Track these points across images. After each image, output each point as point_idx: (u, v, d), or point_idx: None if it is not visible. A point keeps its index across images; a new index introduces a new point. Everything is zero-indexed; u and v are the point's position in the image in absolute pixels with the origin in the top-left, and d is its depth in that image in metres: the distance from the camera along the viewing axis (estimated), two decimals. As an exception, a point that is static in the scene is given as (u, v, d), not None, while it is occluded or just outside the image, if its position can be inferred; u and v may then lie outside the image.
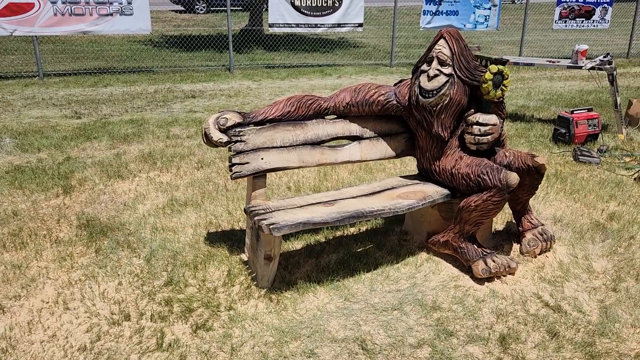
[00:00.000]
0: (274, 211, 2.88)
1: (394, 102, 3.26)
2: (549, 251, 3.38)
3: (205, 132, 2.96)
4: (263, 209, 2.91)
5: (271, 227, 2.65)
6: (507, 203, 3.47)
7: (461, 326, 2.68)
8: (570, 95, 8.14)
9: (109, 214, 3.80)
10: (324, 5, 10.30)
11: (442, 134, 3.16)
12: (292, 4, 10.09)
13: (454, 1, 11.17)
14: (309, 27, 10.36)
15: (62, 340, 2.51)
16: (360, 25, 10.74)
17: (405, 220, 3.65)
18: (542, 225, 3.41)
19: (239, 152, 3.01)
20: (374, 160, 3.39)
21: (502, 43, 15.21)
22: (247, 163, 3.02)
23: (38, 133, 5.74)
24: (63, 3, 8.96)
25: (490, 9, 11.52)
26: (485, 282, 3.04)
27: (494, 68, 2.97)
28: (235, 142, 2.99)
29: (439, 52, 3.06)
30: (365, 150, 3.35)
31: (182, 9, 25.00)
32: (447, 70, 3.05)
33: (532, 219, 3.40)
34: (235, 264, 3.17)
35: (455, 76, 3.06)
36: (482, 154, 3.18)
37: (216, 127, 2.95)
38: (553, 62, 6.16)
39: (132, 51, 12.36)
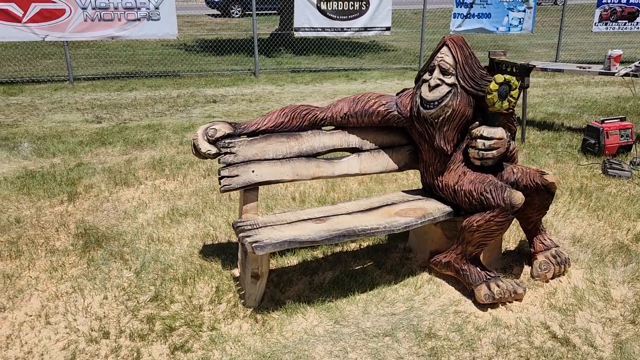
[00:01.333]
0: (261, 227, 2.75)
1: (395, 112, 3.08)
2: (563, 275, 3.12)
3: (193, 143, 2.85)
4: (250, 225, 2.78)
5: (254, 245, 2.52)
6: (518, 222, 3.23)
7: (456, 358, 2.48)
8: (606, 102, 7.72)
9: (108, 223, 3.76)
10: (351, 9, 10.13)
11: (445, 148, 2.96)
12: (318, 8, 9.97)
13: (487, 3, 10.81)
14: (335, 31, 10.22)
15: (37, 357, 2.44)
16: (388, 29, 10.53)
17: (409, 237, 3.46)
18: (557, 246, 3.16)
19: (228, 165, 2.89)
20: (374, 173, 3.21)
21: (539, 46, 14.68)
22: (237, 176, 2.90)
23: (56, 138, 5.80)
24: (93, 9, 9.11)
25: (524, 11, 11.10)
26: (489, 309, 2.82)
27: (499, 78, 2.75)
28: (225, 154, 2.88)
29: (441, 61, 2.87)
30: (364, 163, 3.18)
31: (218, 13, 25.30)
32: (450, 79, 2.86)
33: (545, 239, 3.15)
34: (226, 280, 3.05)
35: (459, 86, 2.86)
36: (488, 170, 2.96)
37: (205, 138, 2.85)
38: (584, 68, 5.82)
39: (162, 55, 12.50)
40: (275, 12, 23.04)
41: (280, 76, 10.06)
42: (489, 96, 2.78)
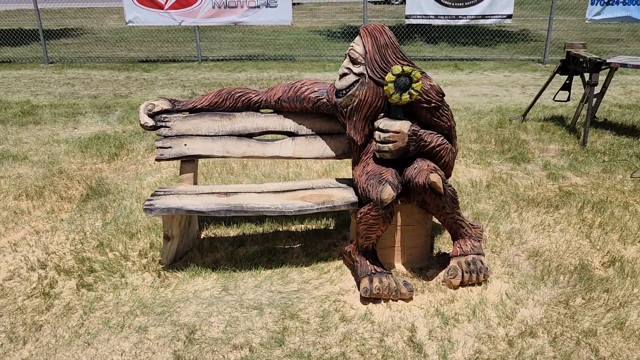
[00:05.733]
0: (171, 195, 3.07)
1: (325, 100, 3.13)
2: (479, 285, 2.90)
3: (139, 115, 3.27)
4: (164, 191, 3.12)
5: (145, 208, 2.86)
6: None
7: (300, 339, 2.55)
8: None
9: (120, 181, 4.40)
10: (468, -5, 9.65)
11: (355, 138, 2.95)
12: (432, -5, 9.70)
13: (634, -11, 9.41)
14: (448, 18, 9.85)
15: (-12, 274, 3.12)
16: (509, 16, 9.80)
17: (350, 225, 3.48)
18: (478, 254, 2.93)
19: (164, 137, 3.26)
20: (309, 158, 3.30)
21: None
22: (170, 147, 3.25)
23: (144, 109, 6.73)
24: (220, -4, 10.13)
25: (687, -3, 9.40)
26: (371, 303, 2.78)
27: (396, 69, 2.65)
28: (160, 127, 3.25)
29: (350, 50, 2.85)
30: (299, 148, 3.29)
31: (380, 0, 25.65)
32: (358, 69, 2.83)
33: (465, 245, 2.95)
34: (165, 239, 3.44)
35: (367, 76, 2.82)
36: (397, 164, 2.87)
37: (145, 111, 3.24)
38: (673, 65, 4.92)
39: (296, 40, 13.26)
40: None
41: (387, 64, 10.04)
42: (385, 87, 2.70)
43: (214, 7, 10.21)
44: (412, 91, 2.69)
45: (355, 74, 2.83)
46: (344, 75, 2.87)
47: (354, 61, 2.84)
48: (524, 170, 4.55)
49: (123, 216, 3.77)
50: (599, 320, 2.61)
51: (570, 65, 5.56)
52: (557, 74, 5.72)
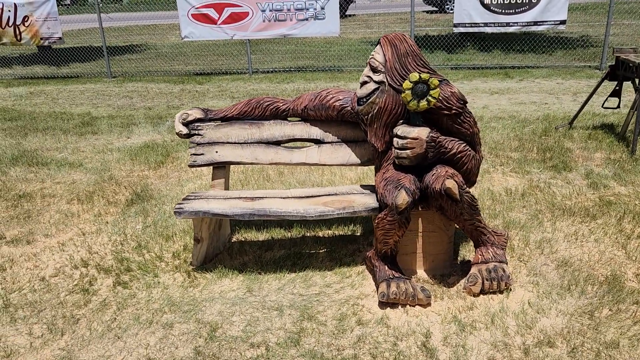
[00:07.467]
0: (200, 199, 3.22)
1: (349, 108, 3.20)
2: (501, 293, 2.86)
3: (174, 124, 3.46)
4: (195, 196, 3.28)
5: (174, 211, 3.03)
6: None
7: (315, 340, 2.61)
8: None
9: (163, 187, 4.64)
10: (519, 2, 9.45)
11: (376, 144, 3.00)
12: (482, 2, 9.57)
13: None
14: (499, 26, 9.67)
15: (37, 270, 3.38)
16: (563, 22, 9.50)
17: (376, 232, 3.51)
18: (500, 262, 2.89)
19: (197, 144, 3.43)
20: (334, 165, 3.38)
21: None
22: (202, 154, 3.42)
23: (192, 119, 7.04)
24: (270, 11, 10.43)
25: None
26: (388, 307, 2.81)
27: (413, 76, 2.69)
28: (194, 135, 3.42)
29: (371, 58, 2.92)
30: (324, 155, 3.37)
31: (434, 9, 25.49)
32: (378, 77, 2.89)
33: (486, 252, 2.92)
34: (198, 242, 3.61)
35: (387, 84, 2.87)
36: (417, 170, 2.89)
37: (180, 120, 3.43)
38: None
39: (348, 52, 13.40)
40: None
41: (435, 73, 9.97)
42: (402, 95, 2.74)
43: (264, 21, 10.52)
44: (429, 98, 2.71)
45: (375, 82, 2.89)
46: (364, 83, 2.93)
47: (374, 69, 2.90)
48: (564, 179, 4.42)
49: (162, 220, 3.97)
50: (624, 333, 2.52)
51: (620, 71, 5.35)
52: (606, 80, 5.52)
